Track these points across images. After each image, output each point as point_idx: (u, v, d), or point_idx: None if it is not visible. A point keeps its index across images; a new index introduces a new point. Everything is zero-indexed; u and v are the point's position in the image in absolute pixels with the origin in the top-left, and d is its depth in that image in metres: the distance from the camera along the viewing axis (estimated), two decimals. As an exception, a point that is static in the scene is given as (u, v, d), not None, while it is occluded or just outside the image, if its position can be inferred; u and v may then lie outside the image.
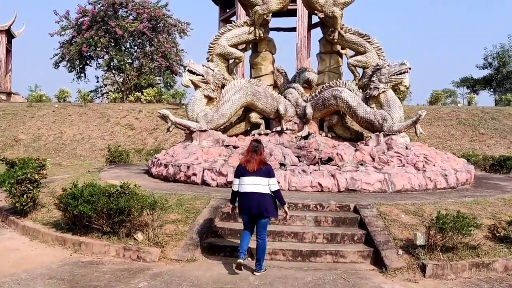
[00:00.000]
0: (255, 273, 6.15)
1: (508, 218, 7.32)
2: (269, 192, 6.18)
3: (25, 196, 8.64)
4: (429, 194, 9.50)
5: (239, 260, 6.11)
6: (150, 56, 34.86)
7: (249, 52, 14.85)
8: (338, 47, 13.93)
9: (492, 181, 12.61)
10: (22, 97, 37.50)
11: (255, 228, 6.27)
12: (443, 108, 28.32)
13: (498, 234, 7.03)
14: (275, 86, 14.42)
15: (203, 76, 12.44)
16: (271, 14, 13.37)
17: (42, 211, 8.85)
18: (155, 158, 12.45)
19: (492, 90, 39.59)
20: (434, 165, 10.64)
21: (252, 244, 6.37)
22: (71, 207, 7.23)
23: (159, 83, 37.61)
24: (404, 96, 12.67)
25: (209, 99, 12.73)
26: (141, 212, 7.07)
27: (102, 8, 33.54)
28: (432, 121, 25.14)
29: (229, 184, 9.84)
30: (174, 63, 35.83)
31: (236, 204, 6.50)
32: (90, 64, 36.38)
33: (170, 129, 12.71)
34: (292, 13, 24.42)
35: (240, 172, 6.34)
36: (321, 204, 8.11)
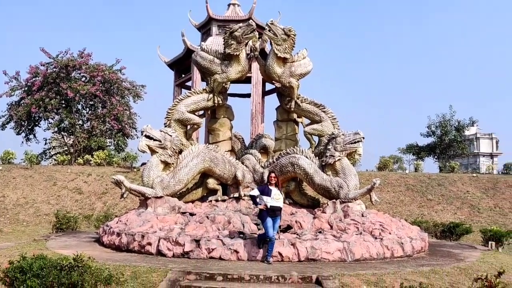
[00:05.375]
0: None
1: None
2: None
3: (-37, 269, 7.94)
4: (387, 263, 9.53)
5: None
6: (102, 119, 34.30)
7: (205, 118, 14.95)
8: (295, 116, 14.29)
9: (445, 248, 12.87)
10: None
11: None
12: (392, 174, 29.24)
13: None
14: (232, 152, 14.46)
15: (160, 141, 12.30)
16: (229, 82, 13.65)
17: (-17, 286, 8.13)
18: (107, 226, 11.91)
19: (436, 157, 41.44)
20: (390, 233, 10.78)
21: None
22: (18, 281, 6.66)
23: (109, 145, 36.76)
24: (354, 162, 13.05)
25: (166, 164, 12.54)
26: (95, 287, 6.63)
27: (54, 69, 33.07)
28: (382, 187, 25.78)
29: (186, 254, 9.52)
30: (126, 125, 35.33)
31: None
32: (39, 125, 35.32)
33: (125, 196, 12.29)
34: (247, 80, 24.97)
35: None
36: (283, 276, 7.93)
